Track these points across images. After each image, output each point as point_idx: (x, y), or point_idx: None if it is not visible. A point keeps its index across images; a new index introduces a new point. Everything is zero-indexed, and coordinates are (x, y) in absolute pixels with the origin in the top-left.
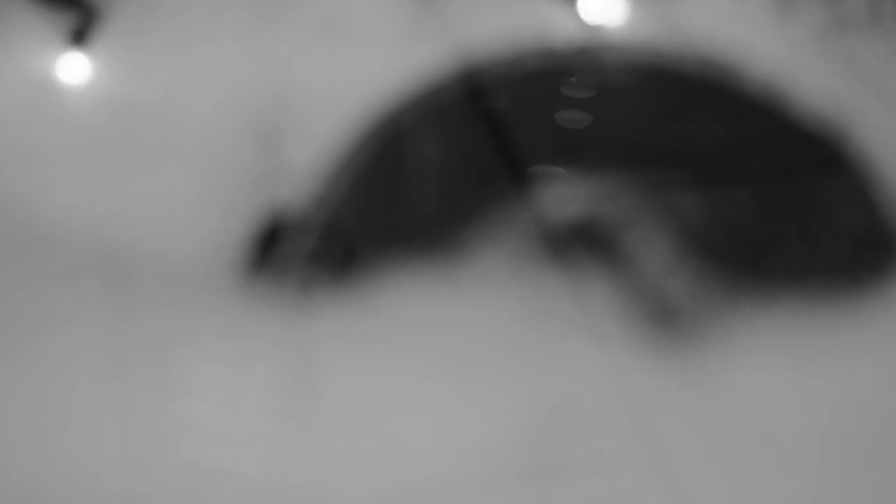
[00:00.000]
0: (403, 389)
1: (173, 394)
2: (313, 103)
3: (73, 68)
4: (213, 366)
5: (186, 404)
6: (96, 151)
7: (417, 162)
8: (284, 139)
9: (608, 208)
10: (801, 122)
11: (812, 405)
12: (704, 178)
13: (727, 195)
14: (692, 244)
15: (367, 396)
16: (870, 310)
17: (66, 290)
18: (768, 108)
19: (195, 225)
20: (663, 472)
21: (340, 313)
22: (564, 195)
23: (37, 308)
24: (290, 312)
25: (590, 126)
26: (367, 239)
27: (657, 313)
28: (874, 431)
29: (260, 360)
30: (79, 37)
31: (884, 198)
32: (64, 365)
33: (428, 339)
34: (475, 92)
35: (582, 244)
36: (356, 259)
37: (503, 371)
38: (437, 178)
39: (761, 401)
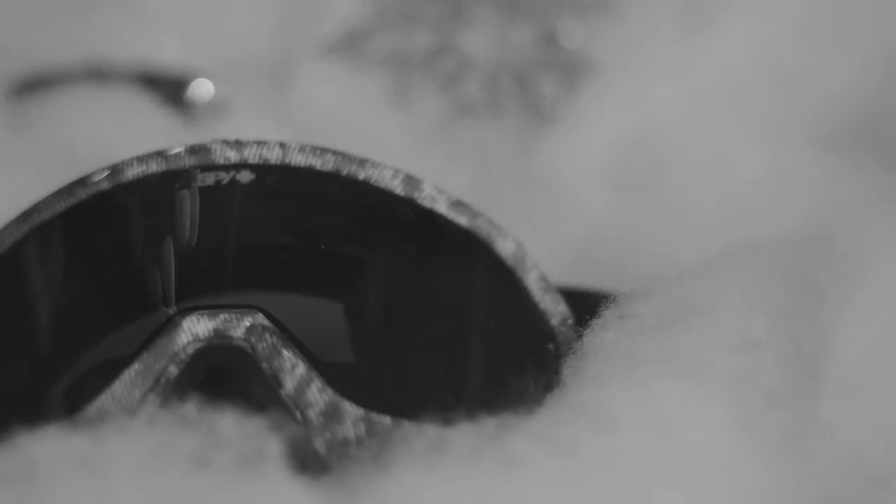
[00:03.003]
0: None
1: None
2: None
3: None
4: None
5: None
6: None
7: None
8: None
9: (234, 329)
10: (434, 215)
11: None
12: (333, 276)
13: (358, 295)
14: (325, 356)
15: None
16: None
17: None
18: (399, 199)
19: None
20: None
21: None
22: (189, 324)
23: None
24: None
25: (208, 239)
26: None
27: (299, 455)
28: None
29: None
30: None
31: (523, 298)
32: None
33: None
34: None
35: (216, 373)
36: None
37: None
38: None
39: None
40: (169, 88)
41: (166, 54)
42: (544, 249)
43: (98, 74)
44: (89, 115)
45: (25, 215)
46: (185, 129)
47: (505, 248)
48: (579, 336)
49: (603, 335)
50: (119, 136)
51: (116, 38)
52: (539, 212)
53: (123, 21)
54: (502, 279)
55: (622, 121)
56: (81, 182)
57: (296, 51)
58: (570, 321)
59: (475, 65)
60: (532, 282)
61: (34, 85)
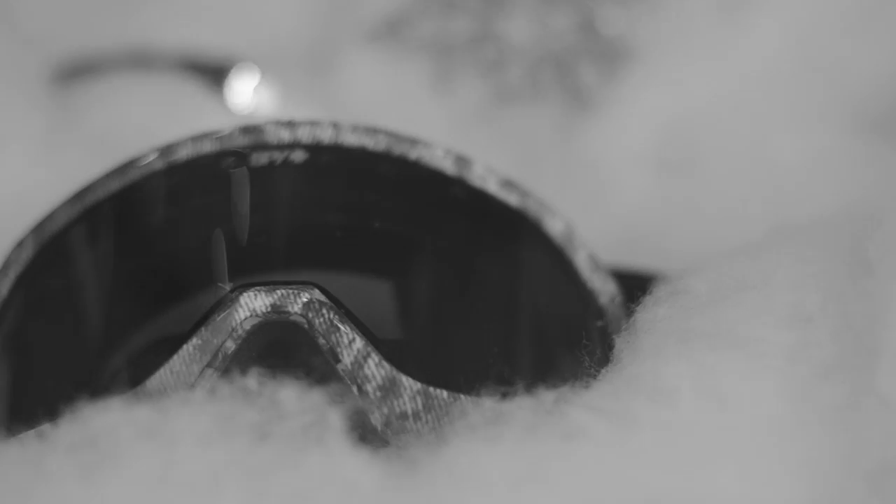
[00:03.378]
0: None
1: None
2: None
3: None
4: None
5: None
6: None
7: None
8: None
9: (291, 304)
10: (485, 195)
11: None
12: (385, 255)
13: (410, 274)
14: (381, 332)
15: None
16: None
17: None
18: (450, 179)
19: None
20: None
21: None
22: (246, 299)
23: None
24: None
25: (261, 218)
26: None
27: (357, 426)
28: None
29: None
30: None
31: (572, 276)
32: None
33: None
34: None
35: (274, 348)
36: None
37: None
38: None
39: None
40: (212, 74)
41: (209, 40)
42: (587, 232)
43: (141, 61)
44: (134, 102)
45: (79, 196)
46: (228, 115)
47: (554, 227)
48: (629, 313)
49: (656, 311)
50: (163, 121)
51: (160, 24)
52: (581, 195)
53: (166, 7)
54: (551, 258)
55: (662, 105)
56: (134, 163)
57: (338, 37)
58: (618, 299)
59: (516, 51)
60: (581, 261)
61: (78, 71)
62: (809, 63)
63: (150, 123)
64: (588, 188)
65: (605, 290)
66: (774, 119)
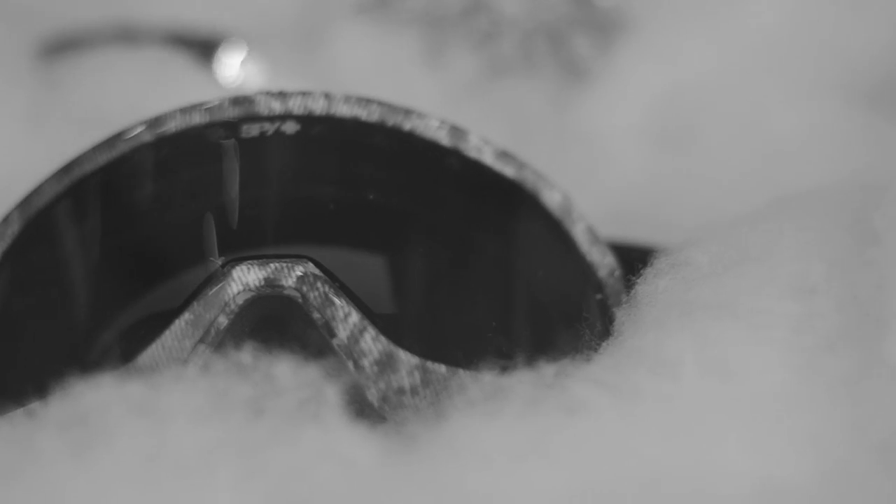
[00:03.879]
0: None
1: None
2: None
3: None
4: None
5: None
6: None
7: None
8: None
9: (285, 278)
10: (481, 166)
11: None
12: (380, 228)
13: (406, 248)
14: (377, 307)
15: None
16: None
17: None
18: (445, 150)
19: None
20: None
21: None
22: (239, 273)
23: None
24: None
25: (252, 191)
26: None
27: (354, 401)
28: None
29: None
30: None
31: (571, 249)
32: None
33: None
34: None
35: (267, 323)
36: None
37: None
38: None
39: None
40: (200, 48)
41: (197, 14)
42: (583, 205)
43: (128, 35)
44: (121, 76)
45: (65, 170)
46: (216, 89)
47: (552, 199)
48: (629, 286)
49: (657, 283)
50: (151, 96)
51: None
52: (576, 168)
53: None
54: (549, 230)
55: (657, 77)
56: (122, 135)
57: (327, 9)
58: (617, 272)
59: (509, 23)
60: (579, 233)
61: (64, 46)
62: (804, 34)
63: (137, 98)
64: (583, 161)
65: (605, 262)
66: (770, 90)
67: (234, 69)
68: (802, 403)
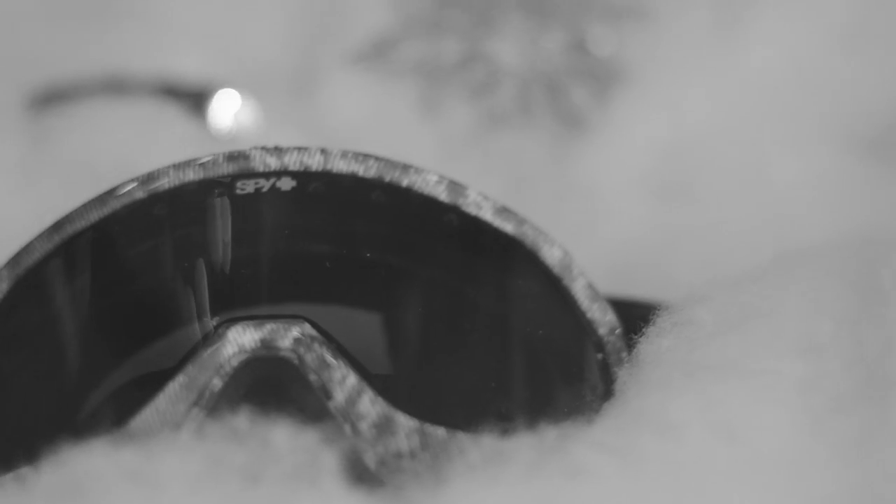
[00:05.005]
0: None
1: None
2: None
3: None
4: None
5: None
6: None
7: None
8: None
9: (281, 339)
10: (480, 222)
11: None
12: (377, 286)
13: (403, 306)
14: (374, 367)
15: None
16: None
17: None
18: (444, 206)
19: None
20: None
21: None
22: (234, 334)
23: None
24: None
25: (247, 249)
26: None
27: (352, 467)
28: None
29: None
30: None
31: (571, 306)
32: None
33: None
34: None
35: (263, 385)
36: None
37: None
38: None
39: None
40: (191, 100)
41: (188, 65)
42: (581, 260)
43: (118, 86)
44: (111, 128)
45: (56, 227)
46: (209, 142)
47: (551, 255)
48: (631, 345)
49: (659, 342)
50: (142, 148)
51: (136, 49)
52: (575, 221)
53: (143, 32)
54: (549, 287)
55: (656, 127)
56: (114, 192)
57: (321, 60)
58: (618, 330)
59: (506, 73)
60: (579, 290)
61: (54, 97)
62: (805, 84)
63: (128, 151)
64: (582, 213)
65: (606, 320)
66: (771, 141)
67: (228, 120)
68: (810, 465)
